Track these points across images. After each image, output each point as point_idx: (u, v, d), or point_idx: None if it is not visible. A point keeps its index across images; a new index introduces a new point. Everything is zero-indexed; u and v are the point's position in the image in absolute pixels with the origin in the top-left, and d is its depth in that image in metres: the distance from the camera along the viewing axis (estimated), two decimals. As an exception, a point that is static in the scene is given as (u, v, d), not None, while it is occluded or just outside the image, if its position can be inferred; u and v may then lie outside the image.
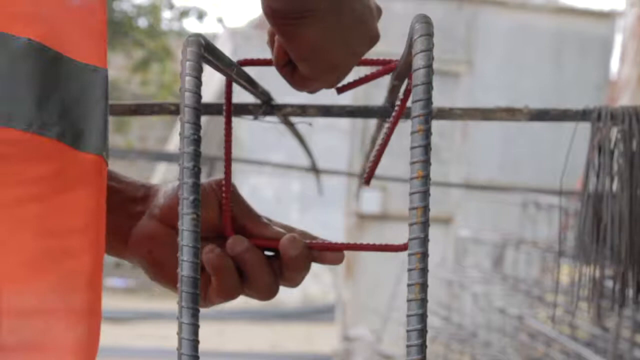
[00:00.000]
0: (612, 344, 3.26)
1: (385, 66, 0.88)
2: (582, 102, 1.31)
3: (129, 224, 0.80)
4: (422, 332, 0.49)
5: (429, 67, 0.54)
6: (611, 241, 1.22)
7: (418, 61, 0.55)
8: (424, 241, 0.49)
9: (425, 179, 0.51)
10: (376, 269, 7.51)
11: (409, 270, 0.49)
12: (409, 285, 0.49)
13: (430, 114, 0.53)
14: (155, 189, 0.83)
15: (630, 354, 3.17)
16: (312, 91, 0.84)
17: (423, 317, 0.49)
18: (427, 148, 0.52)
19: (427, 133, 0.52)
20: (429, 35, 0.56)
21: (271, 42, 0.81)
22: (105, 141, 0.64)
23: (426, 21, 0.57)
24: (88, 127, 0.61)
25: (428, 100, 0.53)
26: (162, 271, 0.79)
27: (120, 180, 0.83)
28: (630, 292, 1.24)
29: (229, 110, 0.92)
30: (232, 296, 0.81)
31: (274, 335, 9.03)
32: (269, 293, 0.80)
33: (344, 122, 8.72)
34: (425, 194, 0.50)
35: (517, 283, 4.88)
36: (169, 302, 8.73)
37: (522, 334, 4.41)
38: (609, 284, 1.27)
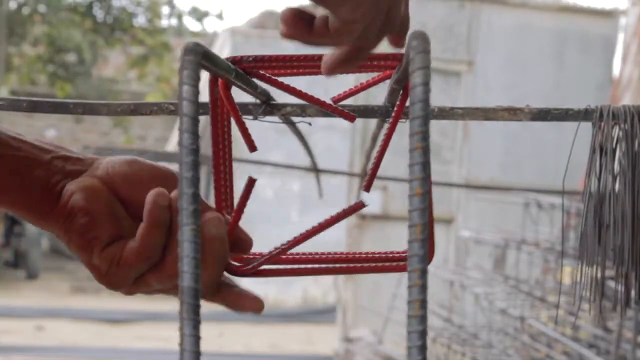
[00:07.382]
0: (614, 345, 3.26)
1: (382, 73, 0.90)
2: (584, 102, 1.30)
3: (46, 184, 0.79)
4: (423, 348, 0.49)
5: (426, 84, 0.54)
6: (613, 242, 1.21)
7: (415, 79, 0.54)
8: (423, 258, 0.49)
9: (424, 196, 0.50)
10: (377, 269, 7.49)
11: (409, 287, 0.49)
12: (409, 302, 0.49)
13: (428, 131, 0.52)
14: (82, 158, 0.82)
15: (633, 355, 3.16)
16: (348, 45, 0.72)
17: (423, 334, 0.49)
18: (425, 165, 0.51)
19: (426, 150, 0.52)
20: (426, 52, 0.56)
21: (293, 24, 0.70)
22: None
23: (422, 37, 0.57)
24: None
25: (426, 118, 0.52)
26: (83, 236, 0.77)
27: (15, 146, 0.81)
28: (632, 293, 1.23)
29: (226, 110, 0.92)
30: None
31: (274, 336, 9.03)
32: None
33: (344, 122, 8.70)
34: (424, 211, 0.50)
35: (519, 284, 4.87)
36: (169, 304, 8.73)
37: (523, 335, 4.40)
38: (612, 284, 1.26)
